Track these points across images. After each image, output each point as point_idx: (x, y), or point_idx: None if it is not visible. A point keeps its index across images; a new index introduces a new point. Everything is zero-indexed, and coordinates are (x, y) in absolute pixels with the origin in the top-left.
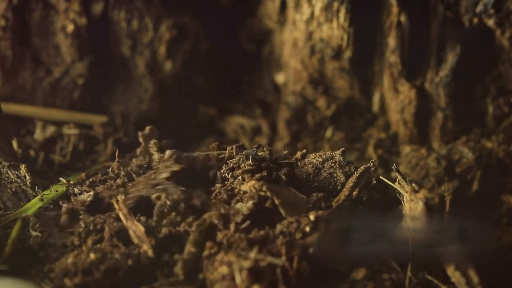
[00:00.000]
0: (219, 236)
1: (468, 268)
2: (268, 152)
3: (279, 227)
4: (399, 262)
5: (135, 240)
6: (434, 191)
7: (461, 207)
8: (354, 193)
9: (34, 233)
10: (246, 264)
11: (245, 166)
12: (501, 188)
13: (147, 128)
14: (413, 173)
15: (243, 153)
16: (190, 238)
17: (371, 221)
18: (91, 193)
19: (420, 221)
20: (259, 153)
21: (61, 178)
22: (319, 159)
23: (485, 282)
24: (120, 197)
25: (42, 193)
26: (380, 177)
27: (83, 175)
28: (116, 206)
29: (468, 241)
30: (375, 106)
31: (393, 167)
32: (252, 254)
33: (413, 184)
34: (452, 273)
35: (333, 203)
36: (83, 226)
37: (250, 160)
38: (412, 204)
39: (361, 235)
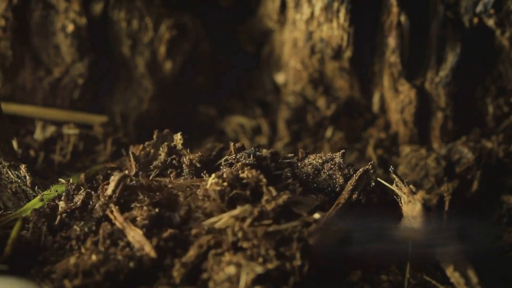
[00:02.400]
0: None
1: (467, 268)
2: (269, 153)
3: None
4: (397, 263)
5: (136, 245)
6: (434, 191)
7: (461, 207)
8: (354, 196)
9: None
10: (259, 269)
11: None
12: (501, 188)
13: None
14: (412, 174)
15: (245, 151)
16: (196, 242)
17: (370, 222)
18: (81, 197)
19: (418, 222)
20: (258, 152)
21: (60, 179)
22: (319, 161)
23: (484, 282)
24: (114, 207)
25: (42, 193)
26: (378, 179)
27: (82, 175)
28: (111, 216)
29: (467, 241)
30: (375, 106)
31: (390, 169)
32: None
33: (411, 186)
34: (451, 273)
35: (333, 206)
36: (78, 229)
37: (251, 157)
38: (410, 206)
39: (360, 235)
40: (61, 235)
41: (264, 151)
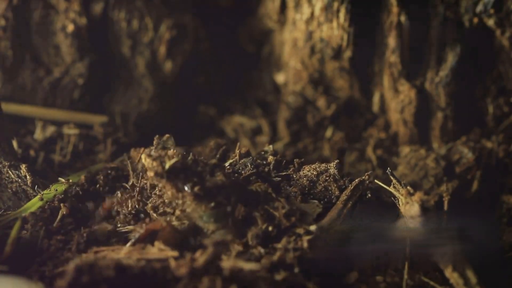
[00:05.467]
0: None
1: (466, 269)
2: (274, 160)
3: (284, 241)
4: (396, 264)
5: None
6: (433, 192)
7: (461, 207)
8: (348, 206)
9: None
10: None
11: (245, 173)
12: (501, 188)
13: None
14: (412, 174)
15: (241, 161)
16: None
17: (368, 224)
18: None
19: (416, 223)
20: (259, 160)
21: (60, 178)
22: (314, 172)
23: (484, 283)
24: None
25: (42, 193)
26: (376, 180)
27: (83, 176)
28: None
29: (467, 241)
30: (375, 106)
31: (387, 171)
32: None
33: (408, 187)
34: (450, 274)
35: (327, 216)
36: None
37: (251, 166)
38: (408, 207)
39: (358, 237)
40: (57, 238)
41: (270, 158)
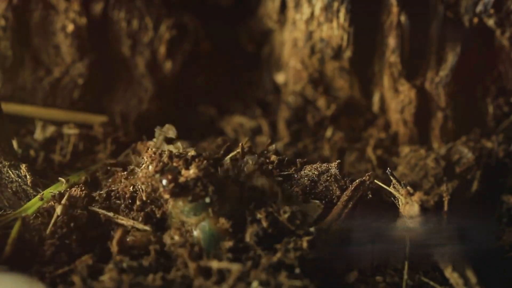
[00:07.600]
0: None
1: (466, 269)
2: (277, 159)
3: (285, 243)
4: (396, 264)
5: None
6: (433, 192)
7: (461, 207)
8: (348, 207)
9: None
10: None
11: (247, 170)
12: (501, 188)
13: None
14: (412, 174)
15: (247, 157)
16: None
17: (368, 223)
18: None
19: (416, 223)
20: (261, 159)
21: (60, 178)
22: (315, 172)
23: (484, 282)
24: None
25: (42, 193)
26: (375, 181)
27: (83, 176)
28: None
29: (467, 241)
30: (375, 106)
31: (387, 171)
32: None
33: (408, 187)
34: (450, 274)
35: (328, 217)
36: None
37: (251, 163)
38: (408, 207)
39: (358, 236)
40: (57, 238)
41: (273, 157)
